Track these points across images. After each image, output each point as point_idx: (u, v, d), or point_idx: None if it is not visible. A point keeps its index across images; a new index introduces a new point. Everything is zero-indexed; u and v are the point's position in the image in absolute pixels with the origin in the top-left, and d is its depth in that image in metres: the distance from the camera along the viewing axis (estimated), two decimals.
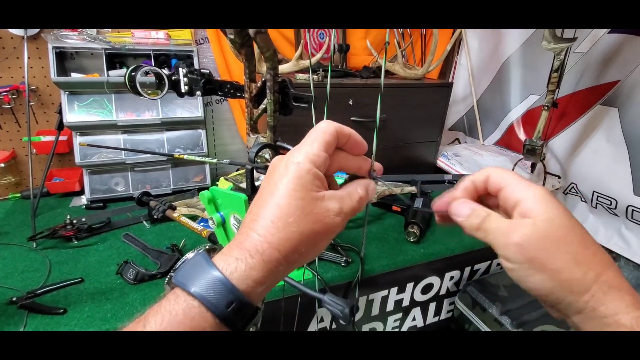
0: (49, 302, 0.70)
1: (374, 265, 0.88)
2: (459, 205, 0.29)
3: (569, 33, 0.91)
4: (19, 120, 1.07)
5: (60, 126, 1.00)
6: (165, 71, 0.54)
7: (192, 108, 1.13)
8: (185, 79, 0.55)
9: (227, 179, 0.51)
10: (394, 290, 0.94)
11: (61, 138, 1.04)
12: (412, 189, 1.06)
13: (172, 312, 0.22)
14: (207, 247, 0.27)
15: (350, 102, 1.06)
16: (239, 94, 0.54)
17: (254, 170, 0.45)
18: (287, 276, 0.50)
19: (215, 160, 0.48)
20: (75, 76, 0.99)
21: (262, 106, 0.48)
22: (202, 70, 0.54)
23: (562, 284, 0.23)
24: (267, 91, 0.45)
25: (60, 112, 0.98)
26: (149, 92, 0.56)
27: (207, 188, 1.20)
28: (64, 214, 1.04)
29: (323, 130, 0.26)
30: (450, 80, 1.49)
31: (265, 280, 0.24)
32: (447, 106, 1.21)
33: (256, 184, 0.46)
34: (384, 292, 0.93)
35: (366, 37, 1.30)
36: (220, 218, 0.50)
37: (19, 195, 1.12)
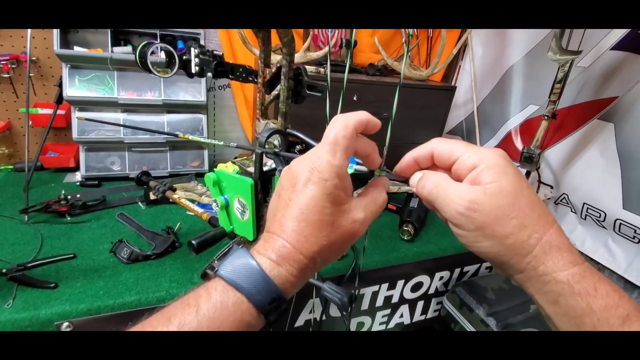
0: (40, 276, 0.69)
1: (367, 260, 0.89)
2: (413, 175, 0.29)
3: (574, 45, 0.93)
4: (16, 90, 1.04)
5: (60, 100, 0.99)
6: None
7: (194, 92, 1.12)
8: (197, 60, 0.55)
9: (234, 162, 0.51)
10: (385, 286, 0.95)
11: (59, 112, 1.02)
12: (409, 188, 1.07)
13: (223, 304, 0.24)
14: (239, 239, 0.28)
15: (354, 98, 1.06)
16: (250, 79, 0.54)
17: (263, 155, 0.45)
18: None
19: (222, 143, 0.48)
20: (78, 50, 0.97)
21: (274, 92, 0.48)
22: (215, 53, 0.54)
23: (508, 248, 0.25)
24: (282, 77, 0.45)
25: (60, 86, 0.97)
26: (159, 70, 0.56)
27: (204, 174, 1.20)
28: (58, 189, 1.03)
29: (343, 135, 0.26)
30: (453, 84, 1.50)
31: (299, 283, 0.27)
32: (448, 109, 1.22)
33: (264, 168, 0.46)
34: (375, 288, 0.94)
35: (374, 34, 1.30)
36: (224, 201, 0.50)
37: (11, 167, 1.10)
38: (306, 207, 0.26)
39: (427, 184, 0.28)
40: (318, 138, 0.47)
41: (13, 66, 1.00)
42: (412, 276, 0.98)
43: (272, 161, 0.47)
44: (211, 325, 0.24)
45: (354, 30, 1.21)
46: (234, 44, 1.17)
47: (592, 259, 1.09)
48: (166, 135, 1.10)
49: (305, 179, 0.26)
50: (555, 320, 0.26)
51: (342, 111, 0.48)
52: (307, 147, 0.49)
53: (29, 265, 0.71)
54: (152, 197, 0.96)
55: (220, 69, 0.54)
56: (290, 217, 0.26)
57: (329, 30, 1.23)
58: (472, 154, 0.26)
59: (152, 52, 0.58)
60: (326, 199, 0.25)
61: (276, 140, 0.50)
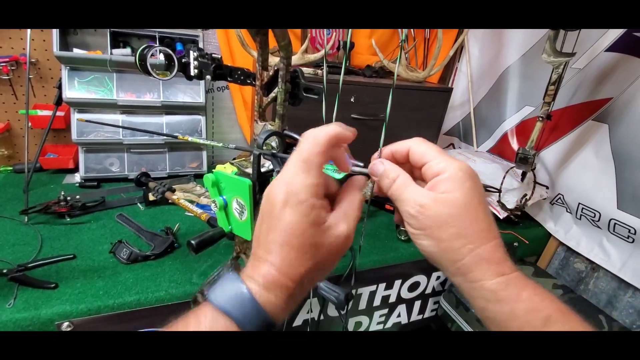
0: (40, 277, 0.70)
1: (364, 260, 0.90)
2: (375, 164, 0.31)
3: (568, 48, 0.94)
4: (16, 92, 1.05)
5: (59, 101, 0.99)
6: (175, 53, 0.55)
7: (193, 93, 1.13)
8: (196, 62, 0.56)
9: (232, 163, 0.51)
10: (382, 286, 0.96)
11: (58, 114, 1.03)
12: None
13: (213, 329, 0.25)
14: (231, 262, 0.29)
15: (352, 100, 1.07)
16: (248, 81, 0.55)
17: (261, 157, 0.46)
18: None
19: (221, 144, 0.49)
20: (78, 52, 0.98)
21: (272, 94, 0.49)
22: (213, 55, 0.55)
23: (442, 251, 0.28)
24: (279, 80, 0.46)
25: (59, 87, 0.97)
26: (158, 72, 0.56)
27: (202, 175, 1.20)
28: (57, 190, 1.03)
29: (315, 152, 0.27)
30: (450, 86, 1.52)
31: (289, 308, 0.27)
32: (445, 110, 1.23)
33: (262, 169, 0.47)
34: (372, 287, 0.95)
35: (371, 36, 1.31)
36: (223, 201, 0.51)
37: (10, 168, 1.10)
38: (287, 232, 0.26)
39: (385, 182, 0.30)
40: None
41: (12, 68, 1.01)
42: (409, 276, 0.99)
43: (270, 162, 0.48)
44: None
45: (350, 31, 1.22)
46: (232, 46, 1.18)
47: (587, 259, 1.11)
48: (165, 137, 1.11)
49: (282, 202, 0.26)
50: (486, 324, 0.29)
51: (339, 113, 0.49)
52: None
53: (30, 265, 0.72)
54: (151, 198, 0.97)
55: (219, 71, 0.55)
56: (274, 241, 0.26)
57: (326, 32, 1.24)
58: (439, 162, 0.28)
59: (152, 55, 0.59)
60: (305, 221, 0.26)
61: (274, 141, 0.51)
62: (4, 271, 0.70)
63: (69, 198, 0.91)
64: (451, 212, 0.27)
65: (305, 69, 1.02)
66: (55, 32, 0.92)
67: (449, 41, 1.40)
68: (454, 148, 1.59)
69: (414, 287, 1.02)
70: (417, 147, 0.29)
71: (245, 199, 0.46)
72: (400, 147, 0.30)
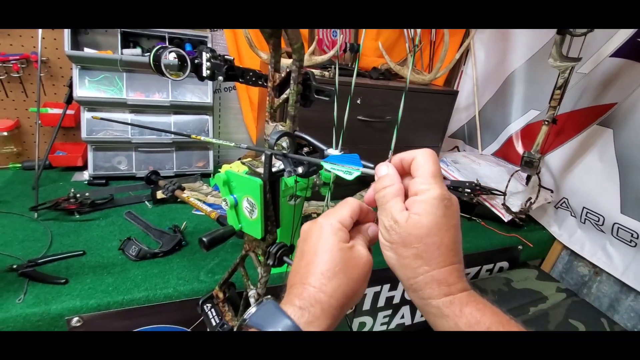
0: (50, 272, 0.71)
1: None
2: (380, 165, 0.33)
3: (573, 53, 0.95)
4: (26, 89, 1.06)
5: (69, 100, 1.01)
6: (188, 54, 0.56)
7: (201, 94, 1.14)
8: (208, 64, 0.56)
9: (243, 163, 0.52)
10: (387, 286, 0.97)
11: (68, 112, 1.04)
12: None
13: None
14: (270, 297, 0.33)
15: (358, 102, 1.08)
16: (260, 82, 0.55)
17: (272, 157, 0.46)
18: (292, 261, 0.53)
19: (232, 144, 0.50)
20: (89, 51, 0.99)
21: (283, 96, 0.50)
22: (226, 57, 0.56)
23: (400, 266, 0.30)
24: (291, 82, 0.46)
25: (70, 86, 0.98)
26: (172, 73, 0.57)
27: (209, 174, 1.22)
28: (66, 187, 1.05)
29: (350, 204, 0.34)
30: (455, 89, 1.52)
31: (324, 326, 0.29)
32: (451, 113, 1.24)
33: (273, 169, 0.47)
34: (377, 288, 0.96)
35: (377, 38, 1.32)
36: (234, 200, 0.52)
37: (19, 165, 1.12)
38: (319, 250, 0.31)
39: (377, 186, 0.32)
40: (323, 140, 0.49)
41: (23, 66, 1.02)
42: None
43: (281, 162, 0.49)
44: None
45: (364, 32, 1.23)
46: (240, 47, 1.19)
47: (590, 262, 1.11)
48: (173, 136, 1.12)
49: (316, 230, 0.33)
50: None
51: (349, 114, 0.49)
52: (313, 149, 0.51)
53: (40, 261, 0.73)
54: (159, 196, 0.98)
55: (231, 72, 0.56)
56: (307, 263, 0.31)
57: (334, 34, 1.25)
58: (423, 181, 0.30)
59: (166, 56, 0.60)
60: (335, 238, 0.31)
61: (284, 142, 0.51)
62: (14, 266, 0.71)
63: (78, 195, 0.92)
64: (418, 234, 0.29)
65: (312, 71, 1.03)
66: (66, 32, 0.93)
67: (454, 44, 1.41)
68: (459, 151, 1.60)
69: None
70: (419, 158, 0.31)
71: (256, 197, 0.47)
72: (408, 156, 0.32)
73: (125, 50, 1.02)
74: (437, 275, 0.29)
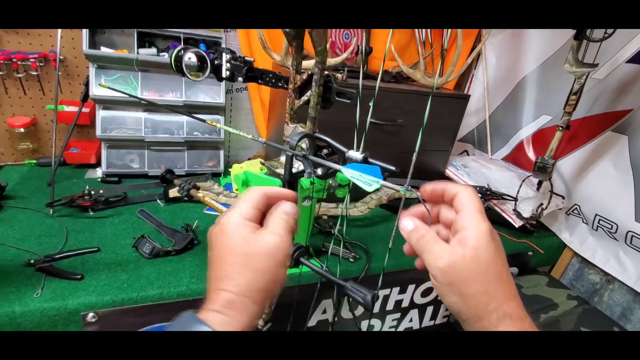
0: (66, 268, 0.72)
1: (379, 264, 0.91)
2: (404, 220, 0.35)
3: (590, 58, 0.94)
4: (43, 87, 1.08)
5: (85, 98, 1.02)
6: (210, 55, 0.56)
7: (213, 94, 1.15)
8: (228, 65, 0.57)
9: (263, 163, 0.53)
10: (396, 290, 0.97)
11: (83, 110, 1.05)
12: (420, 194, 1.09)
13: None
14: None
15: (370, 104, 1.08)
16: (280, 84, 0.56)
17: (293, 158, 0.47)
18: (310, 263, 0.53)
19: (250, 136, 0.50)
20: (106, 50, 1.00)
21: (304, 97, 0.50)
22: (246, 58, 0.56)
23: (469, 308, 0.29)
24: (313, 84, 0.47)
25: (87, 84, 1.00)
26: (192, 73, 0.58)
27: (220, 174, 1.22)
28: (79, 184, 1.06)
29: (251, 195, 0.34)
30: (466, 93, 1.52)
31: (241, 324, 0.29)
32: (462, 117, 1.23)
33: (293, 170, 0.48)
34: (386, 291, 0.96)
35: (390, 41, 1.32)
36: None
37: (34, 161, 1.13)
38: (225, 251, 0.31)
39: (414, 237, 0.33)
40: (341, 141, 0.49)
41: (41, 64, 1.04)
42: (423, 281, 0.99)
43: (300, 163, 0.49)
44: None
45: (391, 32, 1.23)
46: (252, 48, 1.20)
47: (603, 271, 1.10)
48: (185, 135, 1.13)
49: (220, 233, 0.32)
50: None
51: (362, 117, 0.50)
52: (333, 151, 0.51)
53: (56, 256, 0.74)
54: (171, 195, 0.99)
55: (250, 74, 0.57)
56: (218, 268, 0.32)
57: (346, 37, 1.26)
58: (471, 217, 0.31)
59: (189, 58, 0.60)
60: (236, 234, 0.31)
61: (304, 143, 0.52)
62: (32, 261, 0.72)
63: (92, 192, 0.93)
64: (479, 269, 0.29)
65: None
66: (85, 32, 0.95)
67: (466, 48, 1.41)
68: (468, 155, 1.59)
69: (427, 292, 1.02)
70: (463, 195, 0.32)
71: None
72: (450, 189, 0.34)
73: (141, 50, 1.04)
74: (508, 310, 0.29)
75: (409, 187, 0.38)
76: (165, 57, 1.05)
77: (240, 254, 0.30)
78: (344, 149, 0.48)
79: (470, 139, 1.61)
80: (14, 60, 0.98)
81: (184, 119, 1.14)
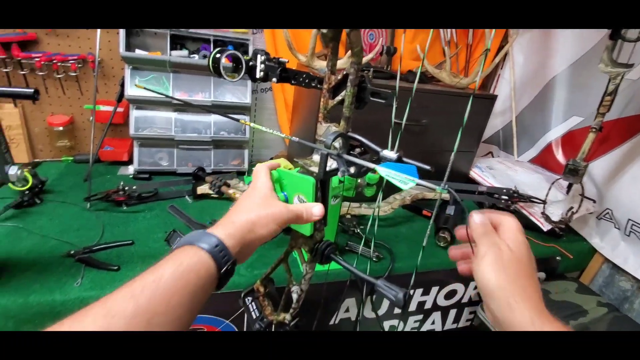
0: (104, 259, 0.76)
1: (403, 264, 0.91)
2: (476, 214, 0.40)
3: (623, 58, 0.91)
4: (81, 88, 1.13)
5: (120, 98, 1.07)
6: (244, 56, 0.58)
7: (240, 94, 1.18)
8: (262, 66, 0.59)
9: (297, 162, 0.54)
10: (419, 291, 0.96)
11: (118, 109, 1.10)
12: (445, 195, 1.08)
13: (184, 251, 0.35)
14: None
15: (394, 104, 1.08)
16: (313, 84, 0.57)
17: (328, 156, 0.48)
18: (344, 261, 0.54)
19: (296, 138, 0.51)
20: (140, 53, 1.05)
21: (338, 97, 0.51)
22: (280, 59, 0.58)
23: (512, 292, 0.34)
24: (348, 84, 0.48)
25: (122, 85, 1.04)
26: (228, 74, 0.60)
27: (244, 172, 1.25)
28: (113, 180, 1.11)
29: (265, 171, 0.47)
30: (492, 93, 1.49)
31: (235, 236, 0.37)
32: (487, 118, 1.21)
33: (327, 169, 0.48)
34: (409, 292, 0.95)
35: (414, 41, 1.32)
36: (284, 197, 0.53)
37: (71, 158, 1.19)
38: (247, 196, 0.44)
39: (479, 224, 0.39)
40: (374, 140, 0.50)
41: (79, 66, 1.10)
42: (447, 283, 0.99)
43: (335, 162, 0.50)
44: (175, 269, 0.32)
45: (413, 32, 1.23)
46: (278, 49, 1.22)
47: (634, 277, 1.06)
48: (212, 134, 1.16)
49: (249, 189, 0.46)
50: None
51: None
52: (364, 150, 0.52)
53: (94, 248, 0.78)
54: (199, 191, 1.02)
55: (284, 74, 0.58)
56: (238, 203, 0.44)
57: (370, 37, 1.26)
58: (510, 229, 0.38)
59: (226, 58, 0.62)
60: (257, 192, 0.44)
61: (337, 142, 0.53)
62: (72, 252, 0.76)
63: (126, 188, 0.97)
64: (524, 261, 0.36)
65: None
66: (122, 34, 0.99)
67: (493, 48, 1.38)
68: (493, 156, 1.56)
69: (450, 294, 1.01)
70: (506, 224, 0.39)
71: (309, 195, 0.49)
72: (497, 217, 0.39)
73: (173, 52, 1.07)
74: (540, 308, 0.34)
75: (446, 186, 0.38)
76: (195, 58, 1.08)
77: (258, 199, 0.42)
78: (378, 149, 0.49)
79: (495, 141, 1.58)
80: (54, 61, 1.04)
81: (212, 119, 1.17)
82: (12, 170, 0.53)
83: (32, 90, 0.49)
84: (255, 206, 0.41)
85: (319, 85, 0.54)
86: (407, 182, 0.38)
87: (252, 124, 0.56)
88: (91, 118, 0.96)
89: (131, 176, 1.14)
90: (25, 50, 1.03)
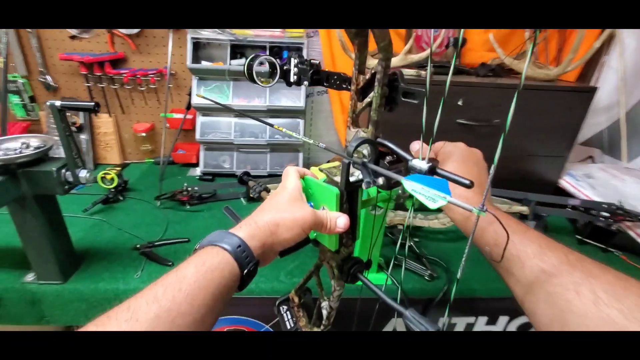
0: (162, 254, 0.82)
1: (463, 286, 0.79)
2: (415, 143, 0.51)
3: None
4: (159, 98, 1.28)
5: (189, 106, 1.17)
6: (278, 61, 0.57)
7: (295, 98, 1.19)
8: (295, 69, 0.56)
9: (321, 170, 0.50)
10: (483, 319, 0.83)
11: (188, 116, 1.21)
12: (524, 208, 0.91)
13: (206, 251, 0.35)
14: None
15: (459, 103, 0.96)
16: (344, 86, 0.53)
17: (351, 165, 0.43)
18: (368, 280, 0.48)
19: (311, 141, 0.48)
20: (205, 64, 1.13)
21: (367, 99, 0.46)
22: (311, 61, 0.55)
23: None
24: (376, 84, 0.42)
25: (189, 94, 1.14)
26: (262, 80, 0.59)
27: None
28: (183, 180, 1.22)
29: (294, 173, 0.46)
30: (593, 85, 1.22)
31: (259, 237, 0.36)
32: (584, 116, 0.99)
33: (351, 179, 0.44)
34: (470, 319, 0.83)
35: (488, 30, 1.15)
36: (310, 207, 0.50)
37: (152, 160, 1.35)
38: (275, 198, 0.42)
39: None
40: (408, 148, 0.43)
41: (158, 79, 1.23)
42: (520, 314, 0.83)
43: (360, 172, 0.45)
44: (199, 270, 0.32)
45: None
46: (334, 51, 1.19)
47: None
48: (268, 138, 1.19)
49: (280, 189, 0.44)
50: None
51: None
52: (397, 158, 0.45)
53: (156, 243, 0.86)
54: (252, 194, 1.06)
55: (316, 77, 0.55)
56: (264, 204, 0.42)
57: (433, 30, 1.14)
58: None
59: (262, 63, 0.62)
60: (288, 193, 0.42)
61: (365, 149, 0.47)
62: (138, 246, 0.85)
63: (189, 189, 1.05)
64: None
65: (407, 71, 0.96)
66: (189, 48, 1.09)
67: (593, 30, 1.13)
68: (594, 162, 1.28)
69: (524, 328, 0.85)
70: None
71: (332, 207, 0.44)
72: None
73: (233, 61, 1.13)
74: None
75: (483, 207, 0.30)
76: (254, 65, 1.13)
77: (283, 202, 0.40)
78: (409, 157, 0.42)
79: (597, 143, 1.29)
80: (138, 76, 1.19)
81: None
82: (82, 174, 0.61)
83: (93, 103, 0.55)
84: (281, 207, 0.40)
85: (349, 87, 0.50)
86: (436, 200, 0.32)
87: (284, 129, 0.54)
88: (164, 125, 1.08)
89: (198, 177, 1.24)
90: (116, 67, 1.20)
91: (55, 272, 0.71)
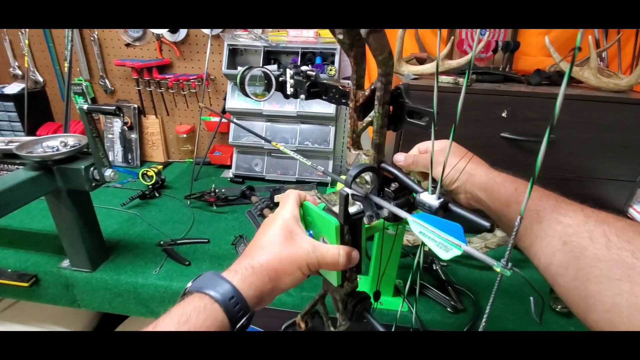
0: (182, 253, 0.85)
1: (493, 325, 0.70)
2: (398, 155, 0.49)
3: None
4: (199, 102, 1.34)
5: (224, 110, 1.20)
6: (276, 72, 0.55)
7: (325, 104, 1.16)
8: (292, 81, 0.54)
9: (319, 197, 0.47)
10: None
11: (223, 120, 1.25)
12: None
13: (193, 302, 0.31)
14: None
15: (504, 114, 0.86)
16: (343, 101, 0.49)
17: (349, 197, 0.38)
18: (374, 320, 0.43)
19: (309, 163, 0.45)
20: (240, 69, 1.16)
21: (367, 119, 0.42)
22: (308, 72, 0.51)
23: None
24: (376, 102, 0.38)
25: (225, 99, 1.18)
26: (258, 93, 0.58)
27: (327, 184, 1.23)
28: (216, 181, 1.26)
29: (294, 198, 0.41)
30: None
31: (255, 285, 0.33)
32: None
33: (350, 210, 0.39)
34: None
35: (545, 32, 1.02)
36: (310, 237, 0.45)
37: (191, 160, 1.42)
38: (269, 231, 0.38)
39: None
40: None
41: (199, 84, 1.29)
42: None
43: (359, 203, 0.40)
44: (182, 316, 0.30)
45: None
46: (369, 57, 1.14)
47: None
48: (297, 144, 1.19)
49: (272, 219, 0.39)
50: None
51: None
52: (402, 186, 0.40)
53: (178, 241, 0.89)
54: (276, 199, 1.05)
55: (314, 89, 0.52)
56: (256, 240, 0.38)
57: (482, 31, 1.04)
58: None
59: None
60: (283, 225, 0.38)
61: (368, 175, 0.43)
62: (161, 242, 0.89)
63: (217, 190, 1.09)
64: None
65: (444, 78, 0.88)
66: (225, 54, 1.12)
67: None
68: None
69: None
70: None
71: (332, 239, 0.40)
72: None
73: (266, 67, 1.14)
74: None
75: (507, 262, 0.25)
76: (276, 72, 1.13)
77: (279, 239, 0.36)
78: (418, 188, 0.37)
79: None
80: (181, 81, 1.26)
81: (297, 128, 1.20)
82: (107, 172, 0.65)
83: (114, 107, 0.59)
84: (277, 242, 0.36)
85: (349, 103, 0.46)
86: (448, 249, 0.26)
87: (281, 147, 0.52)
88: (199, 128, 1.12)
89: (229, 179, 1.28)
90: (162, 73, 1.28)
91: (86, 260, 0.77)
